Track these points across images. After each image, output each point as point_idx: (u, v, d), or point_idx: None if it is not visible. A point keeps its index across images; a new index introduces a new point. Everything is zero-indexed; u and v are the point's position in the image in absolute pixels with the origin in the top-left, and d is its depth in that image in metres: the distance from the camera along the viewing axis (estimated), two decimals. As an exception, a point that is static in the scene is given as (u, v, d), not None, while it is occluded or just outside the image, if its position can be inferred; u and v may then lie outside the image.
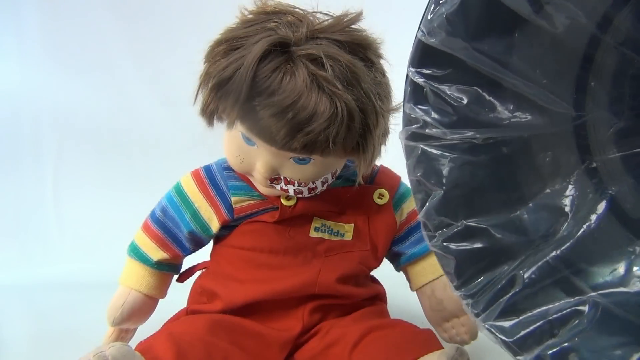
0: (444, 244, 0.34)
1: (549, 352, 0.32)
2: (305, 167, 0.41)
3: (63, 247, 0.87)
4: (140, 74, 1.02)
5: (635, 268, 0.35)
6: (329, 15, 0.40)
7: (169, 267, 0.49)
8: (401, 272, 0.52)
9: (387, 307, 0.51)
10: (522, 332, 0.33)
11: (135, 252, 0.48)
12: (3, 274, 0.77)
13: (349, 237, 0.47)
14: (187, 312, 0.48)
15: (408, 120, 0.34)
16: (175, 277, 0.50)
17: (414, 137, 0.34)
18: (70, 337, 0.56)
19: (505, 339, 0.33)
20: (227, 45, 0.38)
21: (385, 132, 0.42)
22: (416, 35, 0.32)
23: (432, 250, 0.35)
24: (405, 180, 0.51)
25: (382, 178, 0.49)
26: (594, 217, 0.36)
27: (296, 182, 0.42)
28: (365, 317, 0.46)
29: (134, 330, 0.50)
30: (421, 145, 0.34)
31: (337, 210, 0.47)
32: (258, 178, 0.42)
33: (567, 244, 0.36)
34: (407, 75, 0.34)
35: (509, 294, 0.34)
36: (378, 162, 0.46)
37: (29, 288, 0.74)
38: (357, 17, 0.39)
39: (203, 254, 0.50)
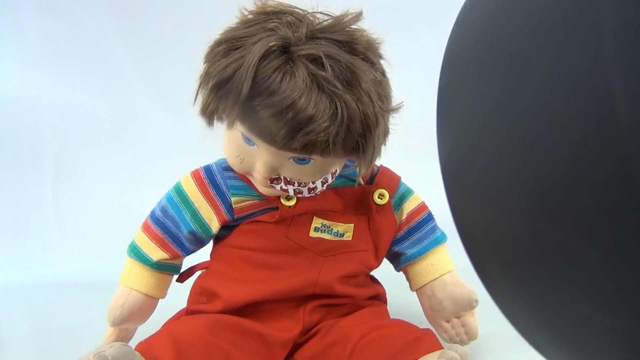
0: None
1: None
2: (305, 167, 0.41)
3: (63, 247, 0.87)
4: (140, 74, 1.02)
5: None
6: (329, 15, 0.40)
7: (169, 267, 0.49)
8: (401, 272, 0.52)
9: (387, 307, 0.51)
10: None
11: (135, 252, 0.48)
12: (3, 274, 0.77)
13: (349, 237, 0.47)
14: (187, 312, 0.48)
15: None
16: (175, 277, 0.50)
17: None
18: (70, 337, 0.56)
19: None
20: (227, 45, 0.38)
21: (386, 132, 0.42)
22: None
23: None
24: (405, 180, 0.51)
25: (382, 178, 0.49)
26: None
27: (296, 182, 0.42)
28: (365, 317, 0.46)
29: (134, 330, 0.50)
30: None
31: (337, 210, 0.46)
32: (258, 178, 0.42)
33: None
34: None
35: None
36: (378, 162, 0.46)
37: (29, 288, 0.73)
38: (357, 17, 0.39)
39: (203, 254, 0.50)
